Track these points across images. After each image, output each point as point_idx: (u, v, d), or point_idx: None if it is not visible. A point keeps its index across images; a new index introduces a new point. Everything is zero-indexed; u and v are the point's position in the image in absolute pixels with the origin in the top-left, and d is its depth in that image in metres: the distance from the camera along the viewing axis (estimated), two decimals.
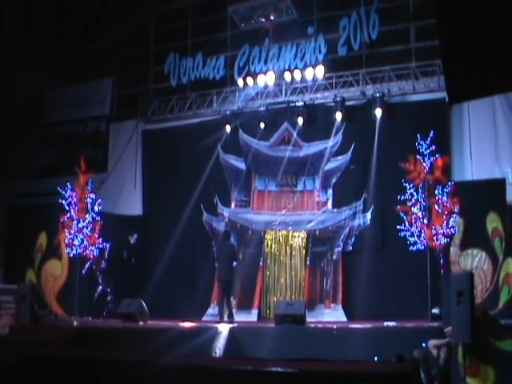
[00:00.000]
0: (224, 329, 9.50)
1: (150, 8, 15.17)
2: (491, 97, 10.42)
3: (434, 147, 10.47)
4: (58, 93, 15.81)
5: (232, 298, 11.73)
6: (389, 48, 12.74)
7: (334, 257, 12.45)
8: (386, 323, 9.50)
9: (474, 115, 11.58)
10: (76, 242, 12.27)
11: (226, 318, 10.88)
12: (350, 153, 12.51)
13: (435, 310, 9.67)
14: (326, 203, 12.79)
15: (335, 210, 12.59)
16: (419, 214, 10.39)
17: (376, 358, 6.72)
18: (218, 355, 8.75)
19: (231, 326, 9.84)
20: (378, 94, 12.27)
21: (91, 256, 12.43)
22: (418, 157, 10.48)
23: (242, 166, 13.55)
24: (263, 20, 13.54)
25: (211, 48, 14.17)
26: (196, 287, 12.72)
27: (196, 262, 13.22)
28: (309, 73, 12.88)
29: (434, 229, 10.26)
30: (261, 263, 12.87)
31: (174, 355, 4.96)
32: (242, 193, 13.54)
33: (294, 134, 13.07)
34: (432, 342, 7.52)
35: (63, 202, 12.44)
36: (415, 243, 10.43)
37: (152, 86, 15.12)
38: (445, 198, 10.34)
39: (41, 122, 16.08)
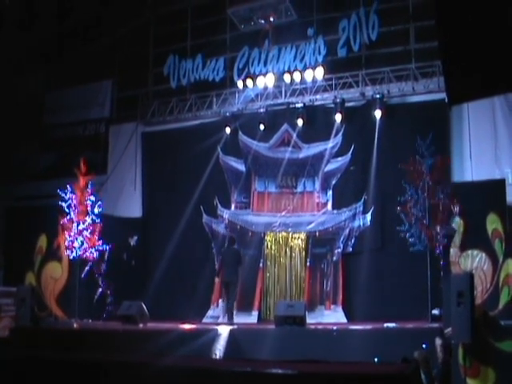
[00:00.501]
0: (224, 330, 9.51)
1: (149, 10, 15.16)
2: (491, 98, 10.40)
3: (433, 148, 10.45)
4: (58, 95, 15.79)
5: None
6: (388, 49, 12.74)
7: (334, 258, 12.46)
8: (386, 324, 9.47)
9: (473, 116, 11.57)
10: (76, 244, 12.27)
11: (225, 320, 10.88)
12: (349, 154, 12.51)
13: (435, 311, 9.64)
14: (325, 204, 12.79)
15: (335, 211, 12.60)
16: (419, 215, 10.39)
17: (376, 360, 6.71)
18: (218, 357, 8.75)
19: (231, 327, 9.84)
20: (377, 95, 12.28)
21: (91, 258, 12.43)
22: (417, 158, 10.46)
23: (241, 167, 13.55)
24: (263, 22, 13.53)
25: (211, 50, 14.17)
26: (196, 289, 12.71)
27: (196, 264, 13.18)
28: (308, 74, 12.90)
29: (434, 230, 10.26)
30: (261, 265, 12.86)
31: (173, 357, 4.95)
32: (242, 194, 13.54)
33: (294, 136, 13.07)
34: (439, 342, 7.49)
35: (63, 204, 12.44)
36: (415, 244, 10.41)
37: (152, 88, 15.11)
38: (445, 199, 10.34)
39: (40, 123, 16.06)
